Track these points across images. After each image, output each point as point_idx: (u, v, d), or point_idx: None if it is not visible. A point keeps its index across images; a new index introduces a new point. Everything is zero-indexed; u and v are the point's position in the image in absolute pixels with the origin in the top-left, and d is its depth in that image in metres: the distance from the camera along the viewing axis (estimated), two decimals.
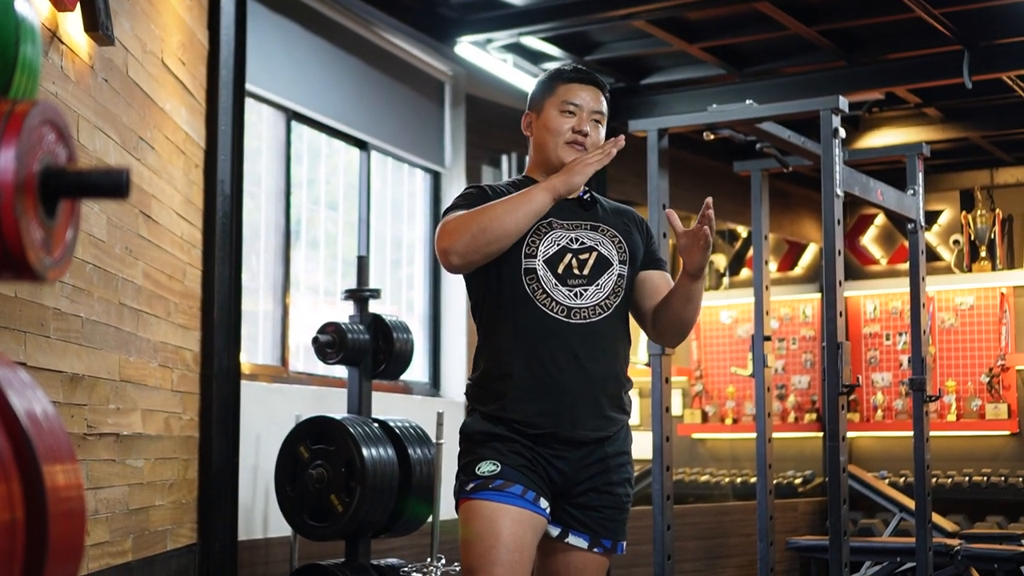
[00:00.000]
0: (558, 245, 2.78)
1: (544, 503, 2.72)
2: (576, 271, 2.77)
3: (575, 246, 2.79)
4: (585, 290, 2.76)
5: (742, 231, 10.24)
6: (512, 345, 2.74)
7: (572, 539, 2.79)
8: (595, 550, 2.80)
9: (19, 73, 1.23)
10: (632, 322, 2.94)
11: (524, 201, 2.68)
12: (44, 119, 1.14)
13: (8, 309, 2.82)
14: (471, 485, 2.71)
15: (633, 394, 2.95)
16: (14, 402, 1.13)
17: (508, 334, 2.76)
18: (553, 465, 2.73)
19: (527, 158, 2.99)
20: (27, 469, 1.11)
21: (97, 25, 3.28)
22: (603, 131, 2.89)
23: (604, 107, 2.88)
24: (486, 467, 2.71)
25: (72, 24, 3.21)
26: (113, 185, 1.14)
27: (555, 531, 2.79)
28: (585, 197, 2.89)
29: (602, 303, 2.77)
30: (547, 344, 2.72)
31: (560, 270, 2.75)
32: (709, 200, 2.72)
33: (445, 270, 2.76)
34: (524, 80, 6.90)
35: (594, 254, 2.80)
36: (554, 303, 2.74)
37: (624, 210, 2.98)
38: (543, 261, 2.75)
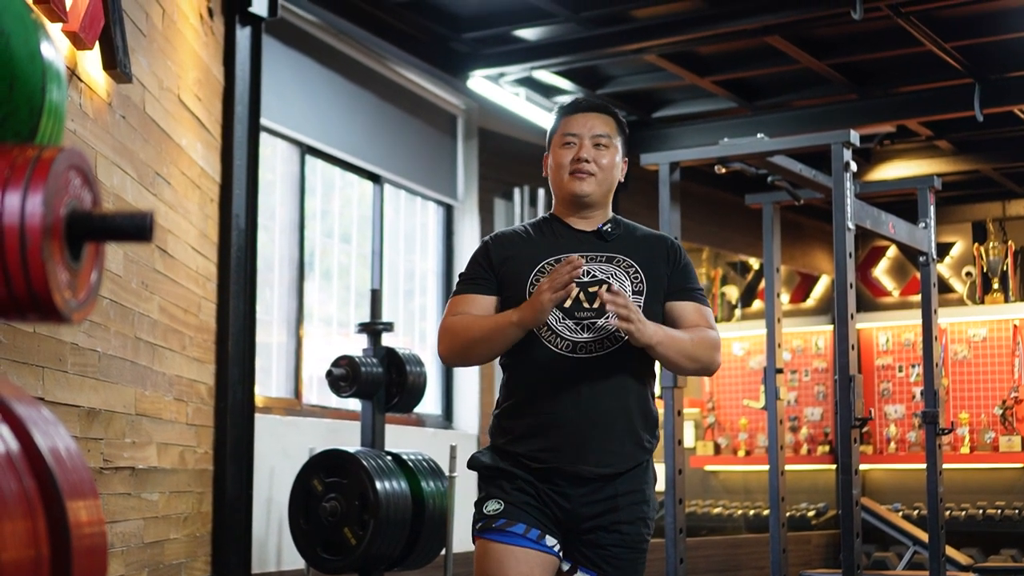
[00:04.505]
0: None
1: (551, 540, 2.73)
2: (585, 304, 2.76)
3: (585, 279, 2.77)
4: (593, 323, 2.74)
5: (754, 263, 10.24)
6: (521, 382, 2.79)
7: (580, 575, 2.79)
8: None
9: (45, 118, 1.26)
10: None
11: (499, 333, 2.73)
12: (70, 164, 1.17)
13: (27, 344, 2.85)
14: (479, 524, 2.77)
15: None
16: (39, 440, 1.15)
17: (518, 371, 2.81)
18: (556, 502, 2.75)
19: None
20: (52, 506, 1.13)
21: (115, 63, 3.31)
22: (616, 153, 2.86)
23: (609, 128, 2.86)
24: (491, 505, 2.76)
25: (91, 62, 3.25)
26: (137, 229, 1.17)
27: (566, 566, 2.79)
28: (604, 228, 2.88)
29: (612, 335, 2.74)
30: (550, 380, 2.74)
31: (567, 304, 2.74)
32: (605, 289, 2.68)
33: None
34: (536, 114, 6.94)
35: (604, 287, 2.79)
36: (559, 339, 2.74)
37: (654, 238, 2.92)
38: None
